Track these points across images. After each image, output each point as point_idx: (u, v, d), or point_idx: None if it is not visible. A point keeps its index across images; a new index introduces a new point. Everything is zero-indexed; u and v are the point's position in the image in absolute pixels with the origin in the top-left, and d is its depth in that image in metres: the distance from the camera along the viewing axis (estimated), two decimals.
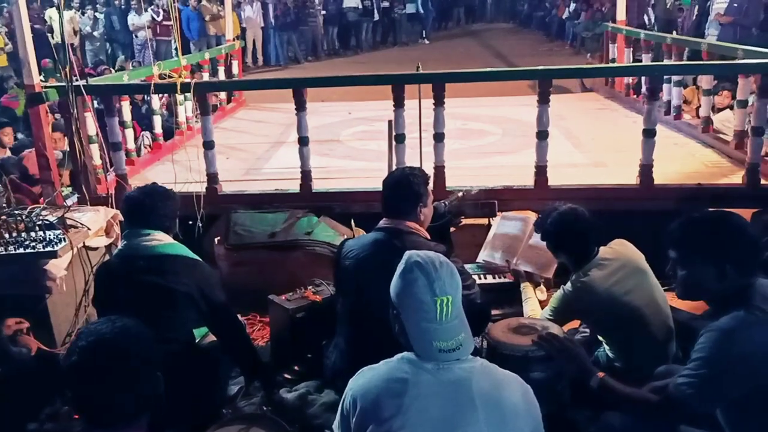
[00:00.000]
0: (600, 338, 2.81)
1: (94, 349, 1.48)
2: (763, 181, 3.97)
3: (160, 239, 2.64)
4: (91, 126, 4.20)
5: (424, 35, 17.52)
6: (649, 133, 3.89)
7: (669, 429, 2.10)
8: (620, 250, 2.75)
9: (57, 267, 3.12)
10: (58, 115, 5.44)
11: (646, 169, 3.94)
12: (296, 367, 3.06)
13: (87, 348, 1.48)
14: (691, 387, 1.88)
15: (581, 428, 2.56)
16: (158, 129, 5.53)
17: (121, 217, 3.43)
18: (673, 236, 2.00)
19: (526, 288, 3.38)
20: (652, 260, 2.74)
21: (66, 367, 1.49)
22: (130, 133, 4.96)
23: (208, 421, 2.38)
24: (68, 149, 4.28)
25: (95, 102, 4.67)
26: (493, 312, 3.33)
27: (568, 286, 2.71)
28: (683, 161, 4.60)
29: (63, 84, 3.97)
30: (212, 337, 2.86)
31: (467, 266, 3.27)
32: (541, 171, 4.02)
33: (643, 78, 5.65)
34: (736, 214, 2.02)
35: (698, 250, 1.95)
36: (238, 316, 2.95)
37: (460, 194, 3.88)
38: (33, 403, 2.69)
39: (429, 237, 2.67)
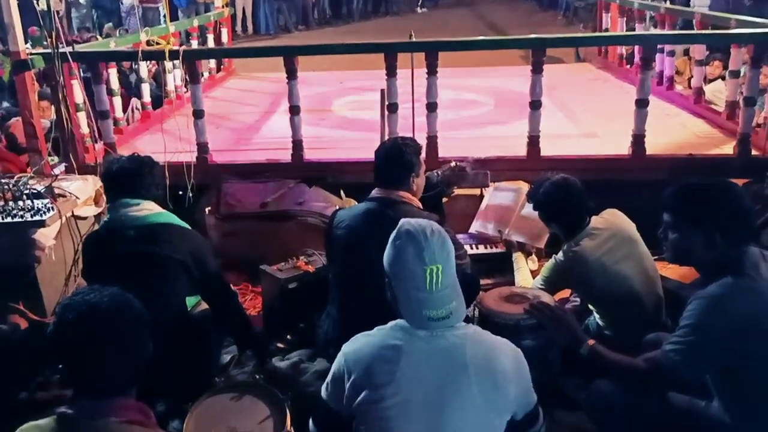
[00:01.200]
0: (590, 307, 2.84)
1: (85, 320, 1.46)
2: (753, 152, 3.98)
3: (150, 209, 2.61)
4: (78, 94, 4.14)
5: (420, 3, 17.27)
6: (641, 103, 3.88)
7: (658, 396, 2.13)
8: (611, 219, 2.76)
9: (46, 236, 3.09)
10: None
11: (638, 139, 3.94)
12: (288, 337, 3.07)
13: (77, 319, 1.46)
14: (679, 354, 1.89)
15: (571, 396, 2.60)
16: (147, 98, 5.46)
17: None
18: (668, 200, 2.01)
19: (518, 258, 3.40)
20: (643, 230, 2.75)
21: (55, 338, 1.48)
22: (117, 101, 4.89)
23: (200, 390, 2.38)
24: (55, 117, 4.22)
25: (82, 71, 4.58)
26: (485, 281, 3.36)
27: (560, 255, 2.72)
28: (675, 132, 4.60)
29: (49, 51, 3.89)
30: (204, 306, 2.86)
31: (459, 236, 3.28)
32: (533, 141, 4.00)
33: (636, 48, 5.62)
34: (733, 184, 2.03)
35: (689, 216, 1.96)
36: (230, 285, 2.94)
37: (453, 165, 3.87)
38: (23, 372, 2.68)
39: (422, 207, 2.66)
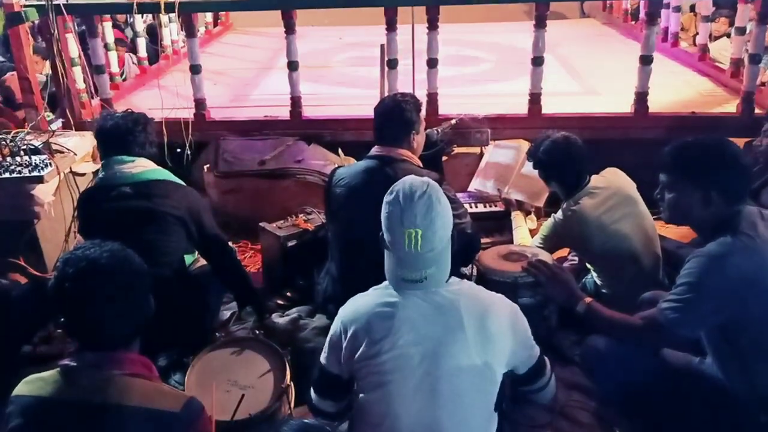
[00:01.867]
0: (588, 266, 2.85)
1: (85, 274, 1.47)
2: (757, 111, 3.94)
3: (145, 165, 2.60)
4: (73, 48, 4.07)
5: None
6: (646, 60, 3.82)
7: (652, 352, 2.15)
8: (612, 178, 2.75)
9: (44, 192, 3.08)
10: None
11: (641, 97, 3.89)
12: (288, 293, 3.09)
13: (78, 273, 1.47)
14: (676, 311, 1.90)
15: (567, 352, 2.63)
16: (142, 53, 5.38)
17: None
18: (664, 159, 2.00)
19: (517, 216, 3.40)
20: (643, 189, 2.74)
21: (55, 292, 1.49)
22: (113, 55, 4.82)
23: (201, 345, 2.41)
24: (50, 72, 4.17)
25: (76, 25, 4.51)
26: (484, 240, 3.36)
27: (559, 214, 2.72)
28: (678, 90, 4.55)
29: (43, 3, 3.82)
30: (202, 263, 2.87)
31: (459, 195, 3.27)
32: (535, 99, 3.96)
33: (641, 2, 5.51)
34: (730, 142, 2.01)
35: (686, 174, 1.95)
36: (229, 242, 2.95)
37: (453, 122, 3.84)
38: (26, 326, 2.71)
39: (421, 165, 2.65)
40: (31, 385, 1.48)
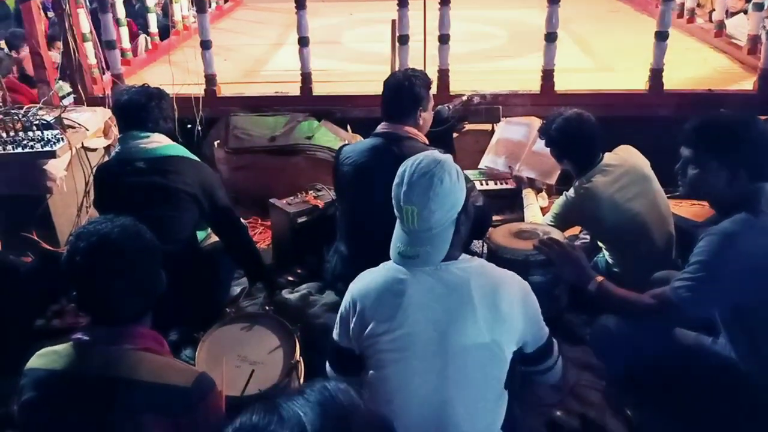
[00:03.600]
0: (600, 244, 2.83)
1: (96, 249, 1.47)
2: None
3: (160, 141, 2.59)
4: (85, 23, 4.06)
5: None
6: (661, 36, 3.75)
7: (663, 331, 2.14)
8: (625, 156, 2.72)
9: (56, 167, 3.10)
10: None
11: (656, 74, 3.83)
12: (298, 270, 3.10)
13: (89, 248, 1.48)
14: (689, 290, 1.88)
15: (577, 331, 2.63)
16: (153, 28, 5.35)
17: None
18: (689, 134, 1.95)
19: (528, 194, 3.37)
20: (657, 166, 2.72)
21: (67, 266, 1.50)
22: (125, 31, 4.80)
23: (211, 320, 2.43)
24: (62, 48, 4.16)
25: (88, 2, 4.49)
26: (495, 218, 3.35)
27: (571, 192, 2.70)
28: (694, 66, 4.48)
29: None
30: (214, 239, 2.88)
31: (469, 172, 3.25)
32: (547, 75, 3.91)
33: None
34: (756, 118, 1.97)
35: (715, 151, 1.90)
36: (240, 219, 2.95)
37: (464, 98, 3.81)
38: (39, 300, 2.74)
39: (428, 143, 2.63)
40: (44, 359, 1.49)
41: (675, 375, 2.05)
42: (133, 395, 1.43)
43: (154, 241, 1.58)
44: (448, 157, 1.73)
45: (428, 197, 1.62)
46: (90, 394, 1.43)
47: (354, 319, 1.70)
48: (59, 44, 4.35)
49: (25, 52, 5.13)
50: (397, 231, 1.71)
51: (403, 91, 2.57)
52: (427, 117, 2.65)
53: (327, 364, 1.86)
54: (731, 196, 1.90)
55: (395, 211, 1.71)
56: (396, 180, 1.70)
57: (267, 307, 2.68)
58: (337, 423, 0.84)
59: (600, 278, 2.15)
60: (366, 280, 1.73)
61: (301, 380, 2.25)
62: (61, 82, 4.22)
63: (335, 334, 1.79)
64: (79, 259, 1.48)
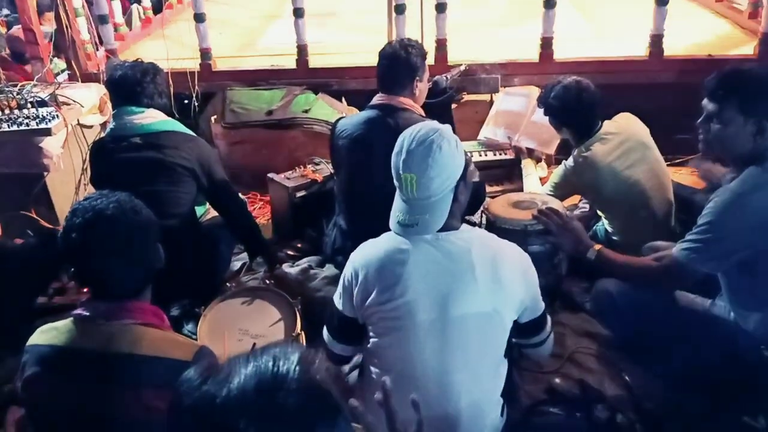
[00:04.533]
0: (599, 213, 2.83)
1: (92, 225, 1.47)
2: None
3: (155, 116, 2.58)
4: None
5: None
6: (661, 1, 3.70)
7: (662, 294, 2.13)
8: (624, 124, 2.70)
9: (53, 145, 3.08)
10: None
11: (656, 40, 3.79)
12: (297, 244, 3.10)
13: (85, 224, 1.47)
14: (695, 252, 1.88)
15: (577, 299, 2.64)
16: (146, 2, 5.29)
17: None
18: (718, 88, 1.90)
19: (527, 164, 3.36)
20: (657, 134, 2.70)
21: (65, 244, 1.49)
22: (117, 5, 4.74)
23: (212, 295, 2.44)
24: (55, 25, 4.11)
25: None
26: (494, 188, 3.35)
27: (570, 161, 2.69)
28: (694, 32, 4.42)
29: None
30: (213, 214, 2.88)
31: (468, 143, 3.24)
32: (546, 43, 3.86)
33: None
34: None
35: (743, 105, 1.85)
36: (239, 194, 2.95)
37: (462, 68, 3.77)
38: (40, 278, 2.75)
39: (423, 114, 2.61)
40: (45, 335, 1.50)
41: (674, 337, 2.06)
42: (134, 369, 1.44)
43: (150, 216, 1.57)
44: (446, 127, 1.73)
45: (427, 164, 1.63)
46: (91, 369, 1.44)
47: (356, 289, 1.71)
48: (48, 15, 4.29)
49: (12, 30, 5.09)
50: (397, 200, 1.72)
51: (399, 62, 2.55)
52: (422, 87, 2.64)
53: (324, 329, 1.87)
54: (751, 150, 1.86)
55: (395, 180, 1.71)
56: (395, 149, 1.70)
57: (267, 281, 2.69)
58: (261, 388, 0.81)
59: (598, 246, 2.16)
60: (368, 250, 1.74)
61: None
62: (56, 59, 4.18)
63: (336, 302, 1.80)
64: (75, 235, 1.47)
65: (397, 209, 1.71)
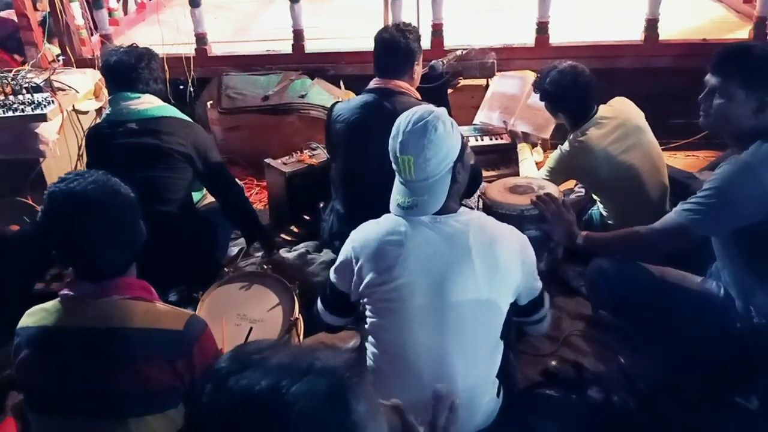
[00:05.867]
0: (595, 197, 2.84)
1: (71, 207, 1.46)
2: None
3: (151, 102, 2.57)
4: None
5: None
6: None
7: (654, 273, 2.13)
8: (620, 108, 2.71)
9: (48, 130, 3.07)
10: None
11: (651, 24, 3.79)
12: (295, 229, 3.11)
13: (63, 206, 1.46)
14: (698, 213, 1.88)
15: (572, 283, 2.66)
16: None
17: None
18: (721, 63, 1.90)
19: (523, 149, 3.37)
20: (652, 118, 2.71)
21: (45, 227, 1.49)
22: None
23: (210, 280, 2.45)
24: (48, 9, 4.08)
25: None
26: (490, 173, 3.36)
27: (566, 145, 2.70)
28: (689, 16, 4.42)
29: None
30: (210, 200, 2.89)
31: (464, 128, 3.24)
32: (542, 28, 3.86)
33: None
34: None
35: (746, 81, 1.86)
36: (236, 179, 2.95)
37: (459, 53, 3.77)
38: (37, 264, 2.75)
39: (420, 97, 2.61)
40: (34, 317, 1.50)
41: (666, 314, 2.07)
42: (127, 342, 1.44)
43: (129, 194, 1.55)
44: (441, 109, 1.75)
45: (423, 145, 1.65)
46: (84, 346, 1.45)
47: (355, 270, 1.73)
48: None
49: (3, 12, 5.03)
50: (396, 184, 1.74)
51: (399, 49, 2.55)
52: (418, 70, 2.66)
53: (318, 301, 1.90)
54: (754, 127, 1.87)
55: (393, 164, 1.73)
56: (392, 133, 1.72)
57: (265, 267, 2.70)
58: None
59: (584, 233, 2.18)
60: (366, 231, 1.76)
61: (301, 337, 2.29)
62: (50, 45, 4.15)
63: (333, 276, 1.83)
64: (50, 217, 1.47)
65: (397, 192, 1.73)
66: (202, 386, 0.80)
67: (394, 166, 1.73)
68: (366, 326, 1.77)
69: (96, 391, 1.45)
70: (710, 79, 1.94)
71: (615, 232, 2.15)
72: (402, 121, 1.70)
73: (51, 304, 1.51)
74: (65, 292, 1.50)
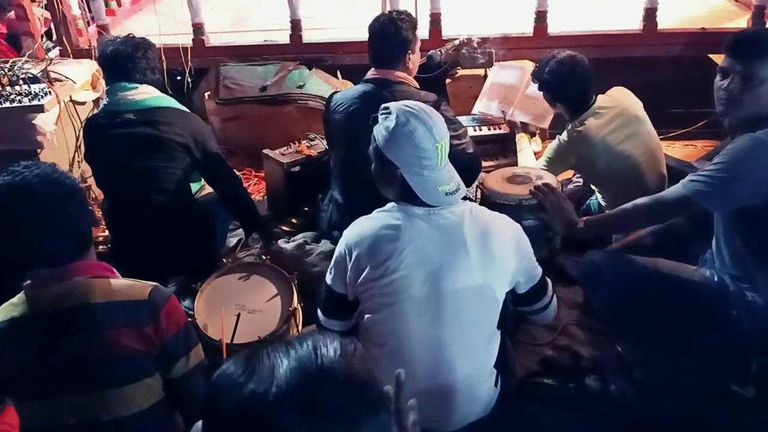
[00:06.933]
0: (593, 187, 2.85)
1: (16, 200, 1.47)
2: None
3: (148, 92, 2.57)
4: None
5: None
6: None
7: (647, 262, 2.13)
8: (618, 97, 2.71)
9: (46, 121, 3.06)
10: None
11: (650, 13, 3.78)
12: (293, 220, 3.11)
13: (8, 200, 1.47)
14: (706, 186, 1.87)
15: (570, 273, 2.66)
16: None
17: None
18: (741, 46, 1.89)
19: (522, 139, 3.36)
20: (650, 107, 2.71)
21: None
22: None
23: (209, 271, 2.46)
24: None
25: None
26: (488, 163, 3.35)
27: (564, 135, 2.69)
28: (688, 5, 4.40)
29: None
30: (208, 191, 2.89)
31: (462, 118, 3.23)
32: (541, 17, 3.85)
33: None
34: None
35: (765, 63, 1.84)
36: (234, 170, 2.95)
37: (457, 43, 3.76)
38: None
39: (418, 86, 2.61)
40: (2, 312, 1.52)
41: (660, 303, 2.08)
42: (92, 316, 1.48)
43: (74, 183, 1.56)
44: (428, 99, 1.76)
45: (445, 127, 1.70)
46: (52, 328, 1.48)
47: (350, 266, 1.72)
48: None
49: (10, 13, 5.01)
50: (430, 178, 1.67)
51: (391, 38, 2.54)
52: (415, 59, 2.63)
53: (318, 312, 1.89)
54: (763, 113, 1.86)
55: (423, 160, 1.66)
56: (418, 130, 1.65)
57: (263, 257, 2.70)
58: (309, 384, 0.82)
59: (584, 218, 2.19)
60: (360, 227, 1.75)
61: (299, 327, 2.30)
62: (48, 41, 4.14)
63: (328, 279, 1.81)
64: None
65: (437, 183, 1.67)
66: (215, 395, 0.83)
67: (424, 162, 1.66)
68: (363, 322, 1.76)
69: (71, 366, 1.48)
70: (726, 62, 1.92)
71: (614, 211, 2.14)
72: (421, 114, 1.66)
73: (16, 298, 1.53)
74: (27, 283, 1.52)
